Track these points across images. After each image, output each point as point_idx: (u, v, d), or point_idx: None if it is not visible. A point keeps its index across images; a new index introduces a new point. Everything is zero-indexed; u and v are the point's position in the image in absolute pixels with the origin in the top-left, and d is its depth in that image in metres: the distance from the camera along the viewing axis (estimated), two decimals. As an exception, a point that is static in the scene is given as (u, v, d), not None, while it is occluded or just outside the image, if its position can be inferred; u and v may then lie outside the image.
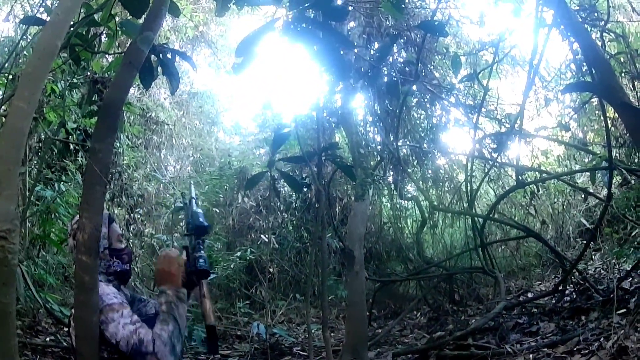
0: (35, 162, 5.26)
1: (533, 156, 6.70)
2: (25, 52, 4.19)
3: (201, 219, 2.59)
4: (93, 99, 5.07)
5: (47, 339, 4.39)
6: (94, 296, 1.99)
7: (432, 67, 5.84)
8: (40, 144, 5.24)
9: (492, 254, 5.97)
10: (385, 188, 6.57)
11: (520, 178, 5.21)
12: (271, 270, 8.11)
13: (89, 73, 5.04)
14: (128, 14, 2.77)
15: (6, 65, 3.82)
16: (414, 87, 5.17)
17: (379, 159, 5.51)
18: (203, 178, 9.10)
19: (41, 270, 4.88)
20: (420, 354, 4.03)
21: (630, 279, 4.79)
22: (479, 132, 5.59)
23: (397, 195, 6.42)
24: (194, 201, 2.72)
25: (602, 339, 3.44)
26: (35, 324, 4.59)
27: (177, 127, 9.46)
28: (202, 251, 2.52)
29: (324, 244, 3.71)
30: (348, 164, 5.24)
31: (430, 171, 6.13)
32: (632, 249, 5.13)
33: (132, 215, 7.53)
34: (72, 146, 5.52)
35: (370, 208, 7.16)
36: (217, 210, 8.68)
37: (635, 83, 5.30)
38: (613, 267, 5.61)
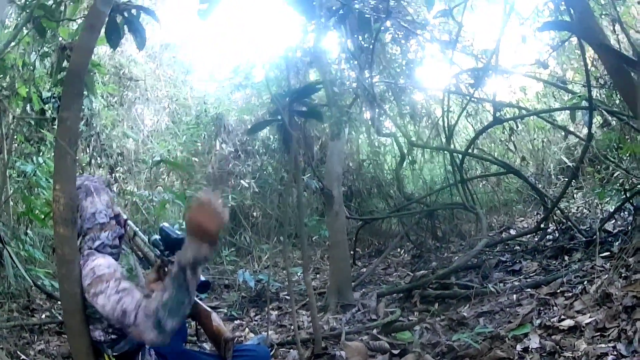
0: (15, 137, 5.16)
1: (511, 92, 6.65)
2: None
3: (177, 232, 2.43)
4: (63, 65, 5.01)
5: (43, 315, 4.39)
6: (75, 268, 1.95)
7: (406, 3, 5.66)
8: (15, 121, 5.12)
9: (473, 190, 5.99)
10: (363, 125, 6.50)
11: (497, 114, 5.18)
12: (255, 214, 8.12)
13: (60, 40, 4.95)
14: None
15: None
16: (388, 23, 5.02)
17: (354, 96, 5.42)
18: (180, 128, 8.96)
19: (29, 247, 4.83)
20: (404, 293, 4.06)
21: (614, 221, 4.86)
22: (455, 67, 5.49)
23: (374, 132, 6.36)
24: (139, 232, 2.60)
25: (585, 282, 3.46)
26: (30, 302, 4.58)
27: (152, 79, 9.25)
28: None
29: (299, 187, 3.68)
30: (323, 103, 5.17)
31: (407, 107, 6.04)
32: (613, 190, 5.13)
33: (113, 174, 7.47)
34: (48, 115, 5.41)
35: (348, 146, 7.14)
36: (196, 159, 8.61)
37: (616, 26, 5.20)
38: (595, 208, 5.66)
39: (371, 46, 4.45)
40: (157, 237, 2.56)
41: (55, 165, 2.05)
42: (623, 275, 3.20)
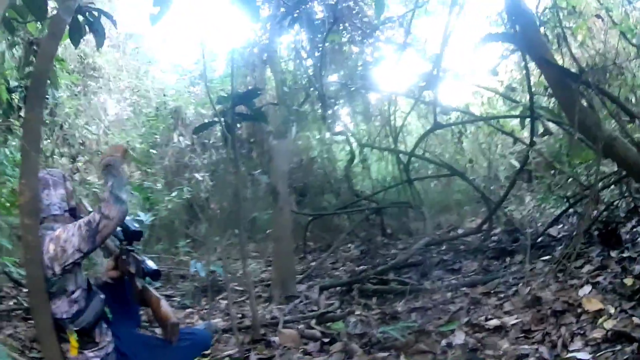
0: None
1: (464, 96, 6.84)
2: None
3: (135, 225, 2.75)
4: (30, 59, 5.09)
5: (11, 302, 4.40)
6: (39, 253, 2.19)
7: (364, 5, 5.83)
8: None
9: (424, 190, 6.17)
10: (315, 123, 6.63)
11: (446, 118, 5.36)
12: (212, 207, 8.18)
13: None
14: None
15: None
16: (346, 24, 5.18)
17: (305, 95, 5.56)
18: (140, 119, 8.97)
19: (-4, 236, 4.83)
20: (346, 287, 4.21)
21: (561, 225, 4.98)
22: (407, 70, 5.68)
23: (326, 131, 6.50)
24: None
25: (520, 284, 3.55)
26: (-1, 290, 4.61)
27: (114, 69, 9.21)
28: (142, 255, 2.73)
29: (239, 182, 3.80)
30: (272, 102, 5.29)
31: (359, 107, 6.20)
32: (558, 196, 5.29)
33: (74, 164, 7.44)
34: (15, 104, 5.40)
35: (300, 143, 7.26)
36: (154, 151, 8.67)
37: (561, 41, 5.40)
38: (544, 212, 5.78)
39: (323, 47, 4.59)
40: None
41: (21, 161, 2.32)
42: (559, 279, 3.32)
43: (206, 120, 8.05)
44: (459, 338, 2.77)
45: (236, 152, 3.78)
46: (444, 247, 5.27)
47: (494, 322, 2.97)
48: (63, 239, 2.29)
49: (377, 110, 6.67)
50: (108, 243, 2.80)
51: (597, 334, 2.64)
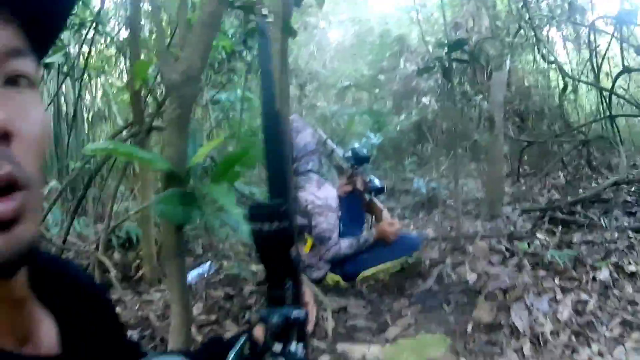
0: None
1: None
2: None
3: (364, 151, 3.72)
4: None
5: None
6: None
7: None
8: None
9: (628, 126, 6.01)
10: (527, 54, 6.66)
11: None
12: (436, 129, 8.76)
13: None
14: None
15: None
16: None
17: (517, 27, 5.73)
18: (365, 48, 9.73)
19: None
20: (540, 213, 4.59)
21: None
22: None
23: (540, 59, 6.52)
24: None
25: None
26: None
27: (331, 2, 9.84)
28: (370, 174, 3.78)
29: (455, 116, 4.40)
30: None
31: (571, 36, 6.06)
32: None
33: (302, 91, 8.58)
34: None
35: (519, 72, 7.33)
36: (382, 77, 9.36)
37: None
38: None
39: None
40: (349, 153, 3.86)
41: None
42: None
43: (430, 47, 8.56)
44: (603, 275, 2.98)
45: (454, 90, 4.31)
46: (633, 188, 5.02)
47: (632, 268, 3.02)
48: (325, 214, 3.43)
49: (584, 43, 6.42)
50: (341, 164, 3.85)
51: None
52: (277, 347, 0.91)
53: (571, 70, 6.51)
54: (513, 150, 6.86)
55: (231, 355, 0.97)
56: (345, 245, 3.48)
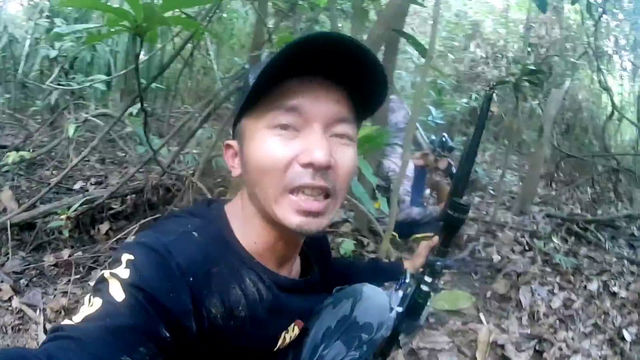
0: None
1: None
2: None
3: (450, 142, 4.23)
4: None
5: None
6: None
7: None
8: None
9: None
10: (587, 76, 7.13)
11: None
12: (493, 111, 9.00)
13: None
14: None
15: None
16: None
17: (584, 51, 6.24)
18: (441, 25, 9.83)
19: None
20: (560, 221, 5.19)
21: None
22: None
23: (595, 82, 6.89)
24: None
25: None
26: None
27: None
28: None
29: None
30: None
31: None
32: None
33: None
34: None
35: (576, 90, 7.72)
36: (452, 56, 9.63)
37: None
38: None
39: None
40: (434, 138, 4.31)
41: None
42: None
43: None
44: (593, 286, 3.56)
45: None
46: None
47: (615, 289, 3.55)
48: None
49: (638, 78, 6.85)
50: (422, 143, 4.39)
51: None
52: (428, 279, 1.49)
53: (621, 101, 6.92)
54: (553, 155, 7.20)
55: (402, 281, 1.51)
56: (416, 211, 3.99)
